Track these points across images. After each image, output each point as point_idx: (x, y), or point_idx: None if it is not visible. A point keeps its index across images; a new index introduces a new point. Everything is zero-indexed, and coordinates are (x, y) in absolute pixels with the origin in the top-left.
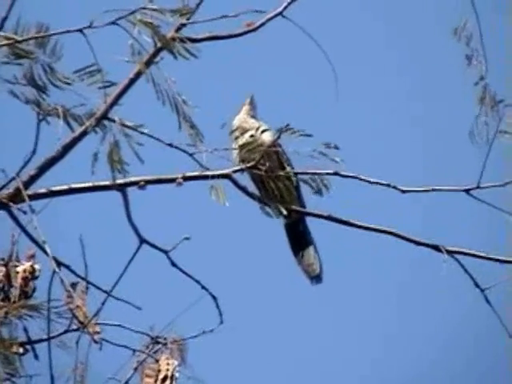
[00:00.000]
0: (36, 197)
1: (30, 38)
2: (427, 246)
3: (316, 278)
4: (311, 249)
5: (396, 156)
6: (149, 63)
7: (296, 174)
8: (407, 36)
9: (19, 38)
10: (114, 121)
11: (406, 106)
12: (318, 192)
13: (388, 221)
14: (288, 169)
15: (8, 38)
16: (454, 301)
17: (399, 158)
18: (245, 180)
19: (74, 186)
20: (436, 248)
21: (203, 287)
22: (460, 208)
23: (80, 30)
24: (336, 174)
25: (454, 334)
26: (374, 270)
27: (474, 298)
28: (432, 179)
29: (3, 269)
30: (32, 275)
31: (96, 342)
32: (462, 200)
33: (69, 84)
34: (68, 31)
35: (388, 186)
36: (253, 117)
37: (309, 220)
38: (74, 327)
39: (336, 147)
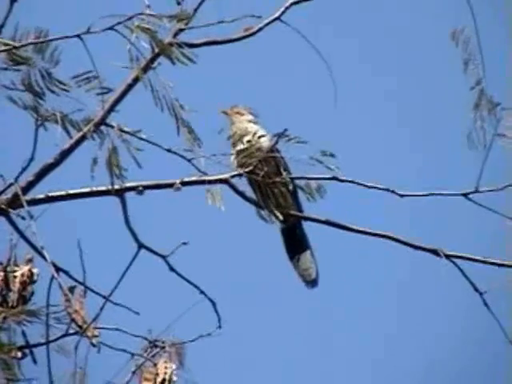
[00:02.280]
0: (34, 202)
1: (28, 44)
2: (426, 250)
3: (312, 283)
4: (308, 253)
5: (395, 161)
6: (146, 69)
7: (294, 178)
8: (405, 39)
9: (17, 44)
10: (112, 126)
11: (404, 111)
12: (314, 198)
13: (388, 226)
14: (285, 174)
15: (6, 44)
16: (454, 303)
17: (398, 162)
18: (242, 185)
19: (71, 191)
20: (434, 252)
21: (201, 291)
22: (458, 212)
23: (78, 36)
24: (334, 178)
25: (454, 336)
26: (373, 274)
27: (474, 301)
28: (431, 183)
29: (1, 273)
30: (30, 279)
31: (94, 345)
32: (461, 204)
33: (67, 91)
34: (66, 37)
35: (386, 190)
36: (252, 122)
37: (312, 226)
38: (73, 331)
39: (332, 155)
